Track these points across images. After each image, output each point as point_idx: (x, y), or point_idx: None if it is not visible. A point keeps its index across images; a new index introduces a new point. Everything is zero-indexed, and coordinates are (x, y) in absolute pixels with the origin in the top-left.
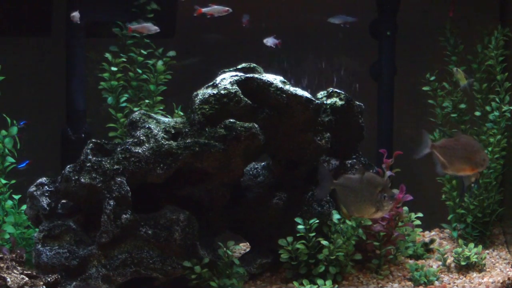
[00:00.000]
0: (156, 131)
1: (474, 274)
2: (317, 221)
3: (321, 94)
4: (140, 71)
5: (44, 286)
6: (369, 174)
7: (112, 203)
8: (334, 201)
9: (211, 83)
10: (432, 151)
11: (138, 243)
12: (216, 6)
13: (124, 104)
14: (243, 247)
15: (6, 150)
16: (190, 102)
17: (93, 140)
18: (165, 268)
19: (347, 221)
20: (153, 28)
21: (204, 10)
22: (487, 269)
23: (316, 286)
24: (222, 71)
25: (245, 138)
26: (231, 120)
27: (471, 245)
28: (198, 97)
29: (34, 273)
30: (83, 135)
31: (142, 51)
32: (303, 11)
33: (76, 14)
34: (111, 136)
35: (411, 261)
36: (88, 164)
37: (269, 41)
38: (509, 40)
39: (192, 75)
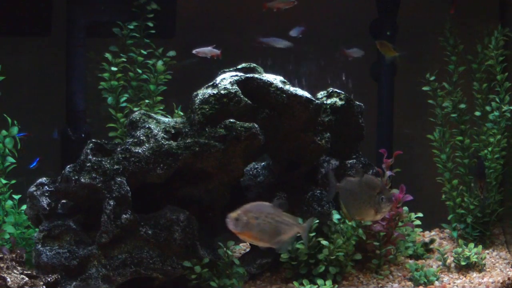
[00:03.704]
0: (156, 131)
1: (474, 274)
2: (317, 221)
3: (321, 94)
4: (140, 71)
5: (44, 286)
6: (367, 176)
7: (112, 203)
8: (334, 201)
9: (211, 83)
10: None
11: (138, 243)
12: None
13: (124, 104)
14: (243, 247)
15: (7, 150)
16: (190, 102)
17: (93, 140)
18: (165, 268)
19: (347, 221)
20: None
21: (269, 4)
22: (487, 269)
23: (316, 286)
24: (222, 71)
25: (245, 138)
26: (231, 120)
27: (471, 245)
28: (198, 97)
29: (34, 273)
30: (83, 135)
31: (142, 51)
32: (303, 10)
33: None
34: (111, 136)
35: (411, 261)
36: (88, 164)
37: (204, 51)
38: (509, 40)
39: (192, 75)
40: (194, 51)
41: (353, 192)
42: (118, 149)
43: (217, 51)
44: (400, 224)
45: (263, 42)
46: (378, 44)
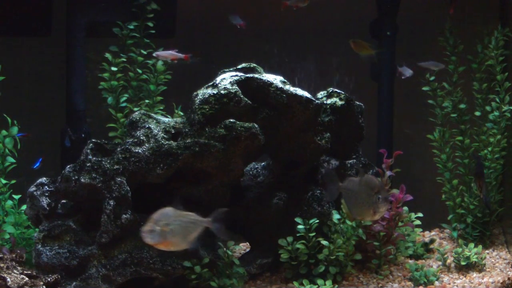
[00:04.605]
0: (156, 131)
1: (474, 274)
2: (317, 221)
3: (321, 94)
4: (140, 71)
5: (44, 286)
6: (367, 176)
7: (112, 203)
8: (334, 201)
9: (211, 83)
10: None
11: (138, 243)
12: None
13: (124, 104)
14: (243, 247)
15: (7, 150)
16: (190, 102)
17: (93, 140)
18: (165, 268)
19: (347, 221)
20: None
21: (289, 2)
22: (487, 269)
23: (316, 286)
24: (222, 71)
25: (245, 138)
26: (231, 120)
27: (471, 245)
28: (198, 97)
29: (34, 273)
30: (83, 135)
31: (142, 51)
32: (303, 11)
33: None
34: (111, 136)
35: (411, 261)
36: (88, 164)
37: (164, 55)
38: (509, 40)
39: (192, 75)
40: (154, 54)
41: (354, 192)
42: (118, 149)
43: (180, 55)
44: (400, 224)
45: (421, 66)
46: (352, 43)
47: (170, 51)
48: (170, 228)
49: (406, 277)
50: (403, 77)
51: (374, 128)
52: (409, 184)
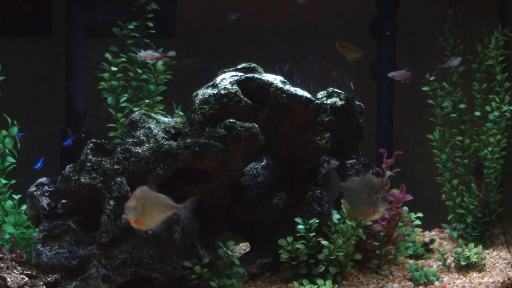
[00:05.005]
0: (156, 131)
1: (474, 274)
2: (317, 221)
3: (321, 94)
4: (140, 71)
5: (44, 286)
6: (368, 176)
7: (112, 203)
8: (334, 201)
9: (211, 83)
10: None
11: (138, 243)
12: None
13: (124, 104)
14: (243, 247)
15: (7, 150)
16: (190, 102)
17: (93, 140)
18: (165, 268)
19: (347, 221)
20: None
21: None
22: (487, 269)
23: (316, 286)
24: (222, 71)
25: (245, 138)
26: (231, 120)
27: (471, 245)
28: (198, 97)
29: (34, 273)
30: (83, 135)
31: (142, 51)
32: (302, 10)
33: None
34: (111, 136)
35: (411, 261)
36: (88, 164)
37: (144, 55)
38: (509, 40)
39: (192, 75)
40: (137, 55)
41: (355, 191)
42: (118, 149)
43: (156, 55)
44: (400, 224)
45: (444, 68)
46: (338, 45)
47: (149, 51)
48: (146, 206)
49: (406, 277)
50: (402, 81)
51: (374, 128)
52: (409, 184)
